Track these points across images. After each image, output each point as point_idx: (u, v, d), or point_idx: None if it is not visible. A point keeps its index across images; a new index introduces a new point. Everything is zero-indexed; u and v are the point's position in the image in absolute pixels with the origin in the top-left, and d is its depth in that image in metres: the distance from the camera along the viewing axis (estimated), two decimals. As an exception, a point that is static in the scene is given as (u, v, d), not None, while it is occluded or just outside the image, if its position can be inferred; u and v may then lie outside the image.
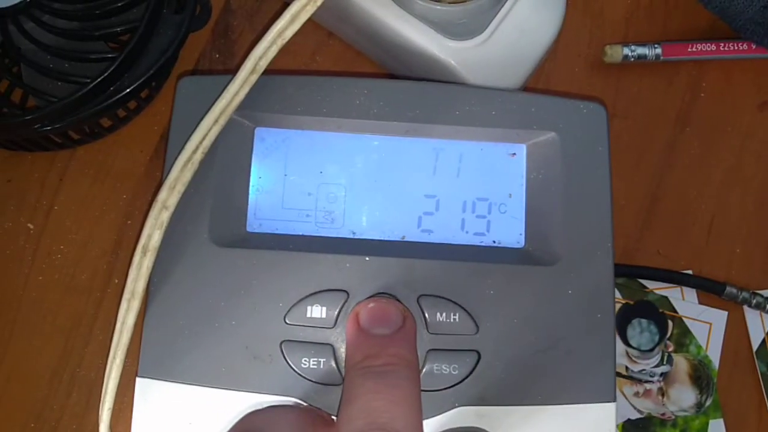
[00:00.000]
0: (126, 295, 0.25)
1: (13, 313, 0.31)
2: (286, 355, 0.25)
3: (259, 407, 0.25)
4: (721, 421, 0.31)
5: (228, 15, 0.35)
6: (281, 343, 0.25)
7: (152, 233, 0.24)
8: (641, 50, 0.34)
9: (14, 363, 0.31)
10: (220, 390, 0.25)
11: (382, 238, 0.27)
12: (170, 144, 0.26)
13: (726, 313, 0.32)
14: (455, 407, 0.25)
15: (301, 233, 0.27)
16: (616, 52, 0.34)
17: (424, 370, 0.25)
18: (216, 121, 0.25)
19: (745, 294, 0.31)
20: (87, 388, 0.31)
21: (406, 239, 0.27)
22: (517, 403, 0.25)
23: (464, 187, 0.28)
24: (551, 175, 0.27)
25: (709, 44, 0.34)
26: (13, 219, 0.32)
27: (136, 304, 0.25)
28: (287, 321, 0.25)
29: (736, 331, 0.32)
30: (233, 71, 0.26)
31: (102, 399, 0.26)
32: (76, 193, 0.32)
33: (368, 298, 0.25)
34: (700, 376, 0.31)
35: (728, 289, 0.31)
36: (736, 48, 0.34)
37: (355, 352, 0.23)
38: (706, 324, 0.32)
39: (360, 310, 0.24)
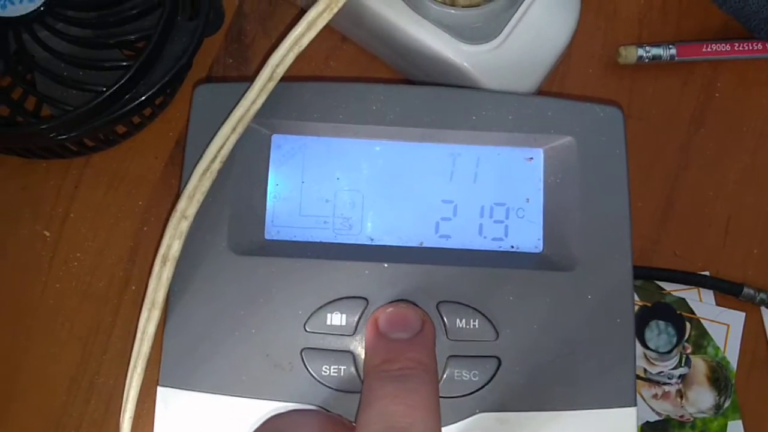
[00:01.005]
0: (146, 305, 0.25)
1: (30, 320, 0.31)
2: (306, 363, 0.25)
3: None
4: (739, 422, 0.31)
5: (241, 19, 0.35)
6: (301, 351, 0.25)
7: (172, 243, 0.24)
8: (655, 51, 0.33)
9: (32, 370, 0.31)
10: (241, 398, 0.25)
11: (400, 245, 0.27)
12: (187, 152, 0.26)
13: (744, 314, 0.32)
14: (476, 413, 0.25)
15: (319, 240, 0.27)
16: (631, 53, 0.33)
17: (444, 377, 0.25)
18: (234, 129, 0.25)
19: (762, 295, 0.31)
20: (106, 396, 0.31)
21: (424, 245, 0.27)
22: (538, 409, 0.25)
23: (482, 192, 0.28)
24: (569, 179, 0.27)
25: (723, 44, 0.34)
26: (29, 227, 0.32)
27: (156, 314, 0.25)
28: (307, 329, 0.25)
29: (754, 332, 0.32)
30: (248, 77, 0.26)
31: (123, 407, 0.26)
32: (92, 200, 0.32)
33: (387, 303, 0.25)
34: (718, 377, 0.31)
35: (746, 290, 0.31)
36: (750, 48, 0.34)
37: (373, 356, 0.23)
38: (723, 325, 0.32)
39: (379, 314, 0.24)
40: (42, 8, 0.30)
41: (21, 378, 0.31)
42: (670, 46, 0.33)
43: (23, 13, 0.30)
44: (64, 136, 0.29)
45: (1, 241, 0.31)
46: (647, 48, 0.33)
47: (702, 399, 0.31)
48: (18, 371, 0.31)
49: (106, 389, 0.31)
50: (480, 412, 0.25)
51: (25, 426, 0.30)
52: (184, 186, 0.25)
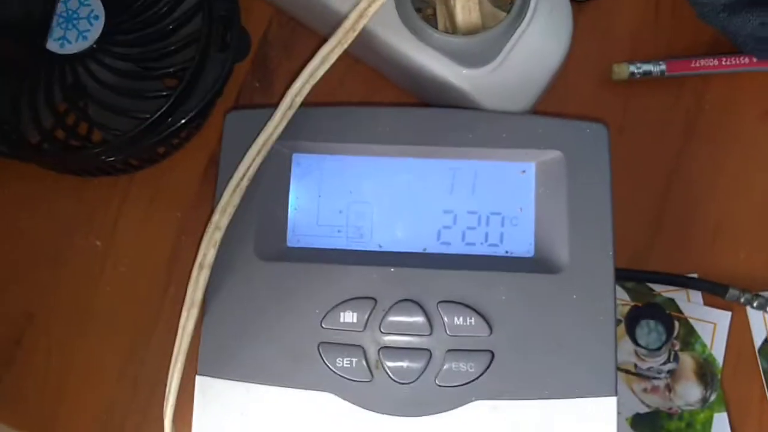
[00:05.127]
0: (186, 306, 0.28)
1: (86, 319, 0.35)
2: (322, 355, 0.28)
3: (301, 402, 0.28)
4: (724, 414, 0.33)
5: (266, 46, 0.38)
6: (318, 345, 0.29)
7: (207, 251, 0.28)
8: (646, 67, 0.36)
9: (87, 363, 0.35)
10: (266, 386, 0.28)
11: (405, 251, 0.30)
12: (221, 171, 0.30)
13: (730, 313, 0.34)
14: (472, 401, 0.28)
15: (334, 247, 0.31)
16: (623, 70, 0.36)
17: (443, 368, 0.28)
18: (259, 151, 0.29)
19: (747, 296, 0.33)
20: (149, 386, 0.34)
21: (427, 251, 0.30)
22: (527, 398, 0.28)
23: (479, 203, 0.31)
24: (558, 190, 0.30)
25: (711, 59, 0.36)
26: (84, 237, 0.36)
27: (194, 313, 0.28)
28: (323, 325, 0.29)
29: (740, 330, 0.34)
30: (272, 101, 0.30)
31: (166, 397, 0.29)
32: (136, 212, 0.36)
33: None
34: (705, 372, 0.33)
35: (731, 291, 0.33)
36: (738, 62, 0.35)
37: None
38: (710, 324, 0.34)
39: None
40: (94, 46, 0.34)
41: (78, 369, 0.35)
42: (661, 63, 0.36)
43: (78, 50, 0.34)
44: (113, 158, 0.33)
45: (62, 251, 0.36)
46: (638, 65, 0.36)
47: (689, 393, 0.33)
48: (72, 365, 0.35)
49: (149, 380, 0.34)
50: (475, 399, 0.28)
51: (82, 411, 0.34)
52: (218, 202, 0.29)
